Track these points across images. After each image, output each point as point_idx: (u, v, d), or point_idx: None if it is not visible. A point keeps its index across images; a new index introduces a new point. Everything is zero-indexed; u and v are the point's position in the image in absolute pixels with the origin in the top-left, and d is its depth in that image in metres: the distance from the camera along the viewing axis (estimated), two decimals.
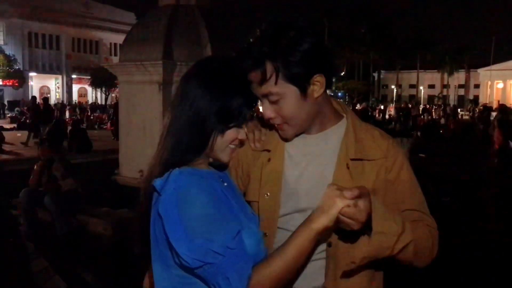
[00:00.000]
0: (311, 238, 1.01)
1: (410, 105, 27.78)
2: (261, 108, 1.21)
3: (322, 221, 1.00)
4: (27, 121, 21.45)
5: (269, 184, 1.23)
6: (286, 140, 1.24)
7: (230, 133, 1.09)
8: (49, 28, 43.34)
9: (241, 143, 1.14)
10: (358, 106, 28.00)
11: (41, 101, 15.89)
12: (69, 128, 13.98)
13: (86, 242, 4.52)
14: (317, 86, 1.15)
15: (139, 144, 5.83)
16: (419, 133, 16.51)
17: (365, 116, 16.47)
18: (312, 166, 1.22)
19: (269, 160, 1.24)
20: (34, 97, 17.00)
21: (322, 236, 1.06)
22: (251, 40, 1.17)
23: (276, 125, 1.21)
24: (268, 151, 1.25)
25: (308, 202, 1.17)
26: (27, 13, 40.50)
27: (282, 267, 1.00)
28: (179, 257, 0.96)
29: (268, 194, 1.21)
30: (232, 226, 0.99)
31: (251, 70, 1.12)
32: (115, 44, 46.84)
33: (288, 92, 1.13)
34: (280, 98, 1.14)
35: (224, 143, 1.09)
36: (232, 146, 1.12)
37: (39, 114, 14.40)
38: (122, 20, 46.15)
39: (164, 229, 0.97)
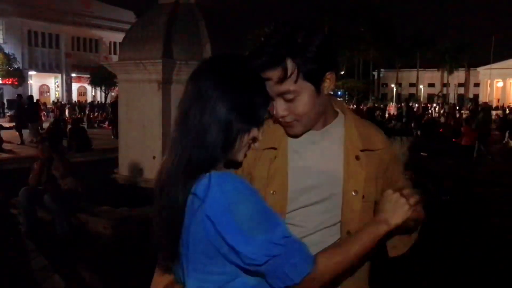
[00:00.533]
0: (376, 239, 1.09)
1: (411, 104, 27.81)
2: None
3: (391, 224, 1.10)
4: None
5: (275, 181, 1.23)
6: (294, 136, 1.26)
7: (253, 133, 1.07)
8: (48, 26, 43.25)
9: (254, 141, 1.13)
10: (360, 105, 27.87)
11: (37, 100, 15.85)
12: (69, 127, 13.98)
13: (86, 241, 4.52)
14: (328, 82, 1.19)
15: (138, 142, 5.83)
16: (419, 132, 16.52)
17: (372, 114, 16.42)
18: (319, 160, 1.25)
19: (275, 157, 1.26)
20: (19, 95, 16.92)
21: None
22: (262, 39, 1.18)
23: (285, 123, 1.23)
24: (275, 149, 1.26)
25: (317, 196, 1.22)
26: (27, 12, 40.42)
27: (342, 262, 1.05)
28: (243, 257, 0.94)
29: (274, 191, 1.22)
30: (279, 217, 1.02)
31: (270, 68, 1.13)
32: (114, 42, 46.75)
33: (304, 89, 1.15)
34: (296, 95, 1.16)
35: (246, 143, 1.08)
36: (251, 146, 1.12)
37: (22, 112, 14.43)
38: (122, 19, 46.04)
39: (220, 233, 0.94)
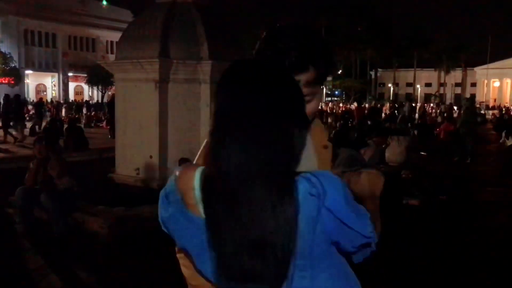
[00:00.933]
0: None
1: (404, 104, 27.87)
2: None
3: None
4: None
5: None
6: None
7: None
8: (45, 25, 43.12)
9: None
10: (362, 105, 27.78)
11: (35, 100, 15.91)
12: (65, 126, 13.94)
13: (82, 241, 4.50)
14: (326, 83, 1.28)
15: (135, 142, 5.82)
16: (415, 132, 16.55)
17: (375, 114, 16.43)
18: (309, 157, 1.34)
19: None
20: (6, 95, 16.88)
21: None
22: (278, 45, 1.19)
23: None
24: None
25: None
26: (23, 11, 40.28)
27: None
28: (363, 236, 1.03)
29: None
30: None
31: (302, 71, 1.18)
32: (111, 41, 46.63)
33: (319, 91, 1.25)
34: (312, 98, 1.22)
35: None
36: None
37: (8, 111, 14.44)
38: (119, 18, 45.93)
39: (342, 221, 0.99)
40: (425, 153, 11.15)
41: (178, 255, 1.15)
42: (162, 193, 1.05)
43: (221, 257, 0.95)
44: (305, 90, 1.16)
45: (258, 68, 1.04)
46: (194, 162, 1.16)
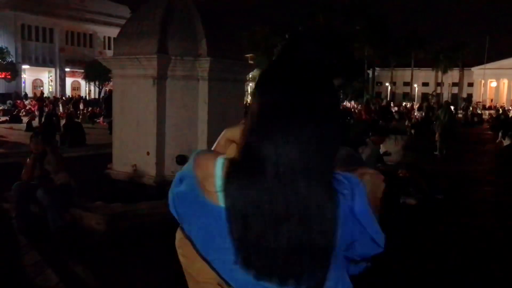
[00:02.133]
0: None
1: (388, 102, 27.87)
2: None
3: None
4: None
5: None
6: None
7: None
8: (42, 20, 42.88)
9: None
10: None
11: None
12: (63, 121, 13.90)
13: (79, 236, 4.50)
14: None
15: (132, 138, 5.80)
16: (413, 131, 16.59)
17: (386, 112, 16.38)
18: None
19: None
20: None
21: None
22: (308, 49, 1.15)
23: None
24: None
25: None
26: (20, 5, 40.03)
27: None
28: (378, 246, 1.01)
29: None
30: None
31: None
32: (109, 37, 46.44)
33: None
34: None
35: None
36: None
37: None
38: (116, 14, 45.74)
39: (365, 227, 0.98)
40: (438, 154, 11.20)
41: (177, 244, 1.14)
42: (176, 176, 1.04)
43: (249, 251, 0.93)
44: None
45: (303, 67, 1.02)
46: (213, 149, 1.12)
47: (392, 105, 31.85)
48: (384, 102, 32.44)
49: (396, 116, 15.93)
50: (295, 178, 0.92)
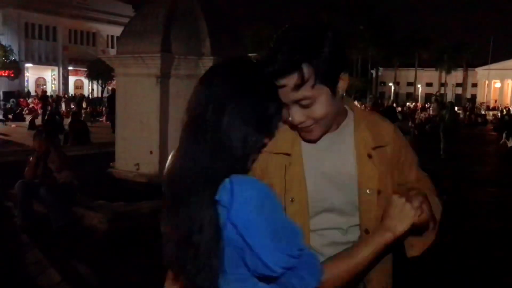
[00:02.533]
0: (382, 247, 1.10)
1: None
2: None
3: (395, 232, 1.09)
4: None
5: (293, 188, 1.21)
6: (312, 141, 1.22)
7: (265, 142, 1.06)
8: (46, 19, 42.98)
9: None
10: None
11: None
12: (69, 120, 13.93)
13: (81, 235, 4.50)
14: (342, 83, 1.17)
15: (135, 137, 5.80)
16: (416, 132, 16.54)
17: (392, 113, 16.30)
18: (335, 164, 1.23)
19: (290, 164, 1.22)
20: None
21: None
22: (273, 44, 1.13)
23: (303, 128, 1.18)
24: (288, 154, 1.22)
25: (337, 201, 1.22)
26: (24, 4, 40.13)
27: (348, 270, 1.07)
28: (264, 266, 0.91)
29: (293, 198, 1.20)
30: (296, 226, 0.98)
31: (286, 75, 1.08)
32: (112, 36, 46.49)
33: (321, 93, 1.12)
34: (313, 101, 1.12)
35: (257, 150, 1.06)
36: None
37: None
38: (120, 12, 45.80)
39: (245, 240, 0.90)
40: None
41: None
42: None
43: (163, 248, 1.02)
44: (296, 95, 1.10)
45: (225, 69, 1.05)
46: None
47: (394, 105, 31.77)
48: (389, 102, 32.37)
49: (400, 117, 15.89)
50: (186, 186, 0.95)
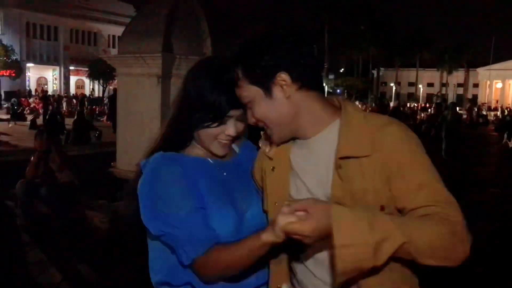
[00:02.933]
0: (257, 248, 1.08)
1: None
2: None
3: (268, 237, 1.05)
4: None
5: (275, 193, 1.22)
6: (276, 144, 1.23)
7: (214, 130, 1.23)
8: (47, 18, 43.03)
9: (234, 138, 1.27)
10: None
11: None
12: (72, 119, 13.97)
13: (82, 235, 4.50)
14: (283, 85, 1.11)
15: (136, 137, 5.80)
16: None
17: (397, 114, 16.25)
18: (314, 171, 1.17)
19: (273, 169, 1.23)
20: None
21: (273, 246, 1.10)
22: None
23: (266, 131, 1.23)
24: (271, 159, 1.24)
25: None
26: (25, 3, 40.17)
27: (228, 260, 1.13)
28: (147, 227, 1.18)
29: (277, 203, 1.20)
30: (190, 204, 1.15)
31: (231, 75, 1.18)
32: (113, 36, 46.53)
33: (254, 94, 1.13)
34: (250, 101, 1.15)
35: (208, 137, 1.25)
36: (223, 140, 1.25)
37: None
38: (121, 12, 45.84)
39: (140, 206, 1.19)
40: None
41: None
42: None
43: None
44: (238, 94, 1.18)
45: (196, 66, 1.34)
46: None
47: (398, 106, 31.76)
48: (396, 103, 32.37)
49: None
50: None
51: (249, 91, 1.14)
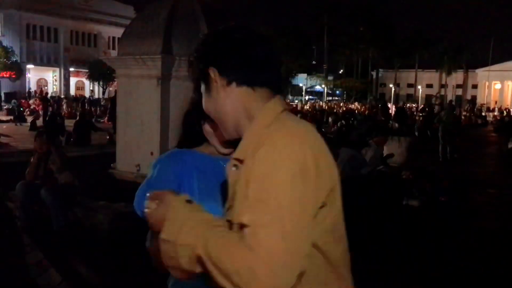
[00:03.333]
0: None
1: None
2: None
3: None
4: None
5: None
6: (229, 141, 1.23)
7: (207, 126, 1.31)
8: (47, 20, 43.04)
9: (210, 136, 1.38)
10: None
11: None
12: (72, 120, 13.98)
13: (82, 236, 4.51)
14: (213, 79, 1.09)
15: (136, 138, 5.81)
16: (416, 133, 16.54)
17: (402, 115, 16.23)
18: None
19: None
20: None
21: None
22: None
23: None
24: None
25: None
26: (26, 5, 40.21)
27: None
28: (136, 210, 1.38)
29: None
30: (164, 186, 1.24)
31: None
32: (113, 37, 46.54)
33: (202, 88, 1.15)
34: (206, 96, 1.14)
35: (207, 133, 1.33)
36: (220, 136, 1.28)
37: None
38: (121, 14, 45.86)
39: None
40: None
41: None
42: None
43: None
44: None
45: None
46: None
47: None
48: (401, 104, 32.34)
49: None
50: None
51: (199, 85, 1.16)
